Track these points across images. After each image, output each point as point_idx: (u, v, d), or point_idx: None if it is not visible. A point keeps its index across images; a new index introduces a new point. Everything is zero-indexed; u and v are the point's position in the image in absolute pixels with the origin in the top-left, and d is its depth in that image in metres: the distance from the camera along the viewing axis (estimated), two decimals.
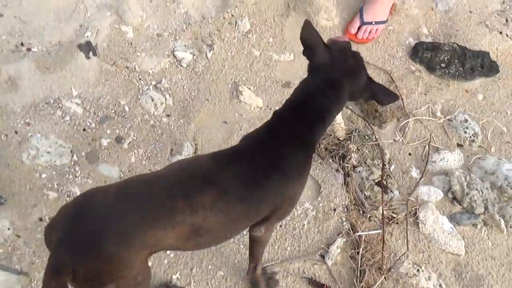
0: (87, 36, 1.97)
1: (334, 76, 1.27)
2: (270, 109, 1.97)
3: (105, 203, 1.08)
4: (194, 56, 2.04)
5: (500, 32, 2.41)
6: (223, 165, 1.21)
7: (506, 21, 2.46)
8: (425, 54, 2.23)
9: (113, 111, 1.88)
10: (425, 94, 2.16)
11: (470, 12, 2.44)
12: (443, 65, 2.22)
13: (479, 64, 2.25)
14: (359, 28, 2.22)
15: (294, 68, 2.11)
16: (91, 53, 1.95)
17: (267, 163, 1.23)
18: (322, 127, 1.30)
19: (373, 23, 2.21)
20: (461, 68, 2.23)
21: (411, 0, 2.39)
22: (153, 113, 1.91)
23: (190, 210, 1.11)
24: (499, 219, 1.86)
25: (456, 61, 2.24)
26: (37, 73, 1.88)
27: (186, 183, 1.15)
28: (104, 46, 1.98)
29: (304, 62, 1.31)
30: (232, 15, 2.14)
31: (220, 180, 1.17)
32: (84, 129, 1.83)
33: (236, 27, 2.12)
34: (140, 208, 1.08)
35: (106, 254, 1.04)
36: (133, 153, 1.82)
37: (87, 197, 1.12)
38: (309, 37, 1.27)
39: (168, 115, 1.92)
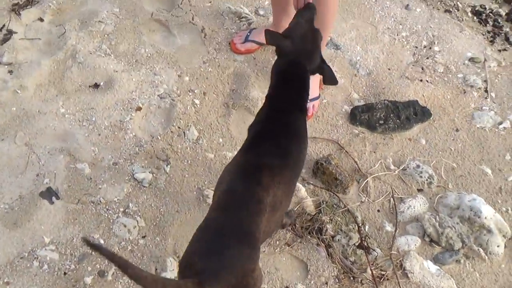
0: (46, 183, 2.00)
1: (298, 60, 1.64)
2: None
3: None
4: (154, 174, 2.10)
5: (421, 80, 2.63)
6: (256, 151, 1.51)
7: (422, 69, 2.70)
8: (363, 116, 2.40)
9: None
10: (374, 152, 2.29)
11: (389, 69, 2.67)
12: (381, 122, 2.39)
13: (412, 113, 2.44)
14: None
15: None
16: (53, 197, 1.97)
17: (285, 132, 1.55)
18: (306, 92, 1.67)
19: (309, 101, 2.37)
20: (398, 120, 2.40)
21: (335, 72, 2.58)
22: (129, 239, 1.92)
23: (265, 193, 1.40)
24: (478, 249, 1.95)
25: (391, 115, 2.41)
26: (5, 232, 1.87)
27: (247, 179, 1.44)
28: (65, 187, 2.01)
29: None
30: (179, 127, 2.24)
31: (264, 161, 1.46)
32: (64, 273, 1.82)
33: (186, 137, 2.22)
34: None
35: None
36: (119, 283, 1.81)
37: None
38: (272, 39, 1.65)
39: (143, 237, 1.94)
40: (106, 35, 2.56)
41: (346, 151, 2.27)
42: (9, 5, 2.63)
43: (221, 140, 2.25)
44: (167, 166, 2.13)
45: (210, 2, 2.84)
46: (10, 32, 2.49)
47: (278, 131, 1.55)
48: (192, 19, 2.72)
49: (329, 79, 1.74)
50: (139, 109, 2.29)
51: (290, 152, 1.53)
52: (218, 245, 1.31)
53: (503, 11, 3.18)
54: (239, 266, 1.31)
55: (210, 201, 2.03)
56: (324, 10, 2.12)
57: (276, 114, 1.60)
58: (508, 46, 2.94)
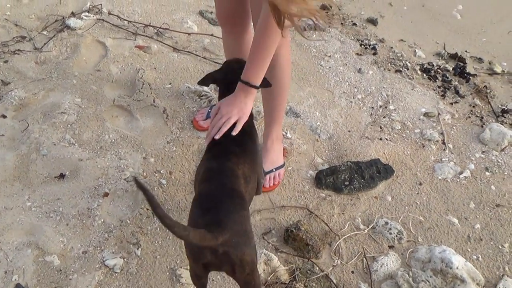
0: (15, 280, 1.96)
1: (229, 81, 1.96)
2: None
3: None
4: (125, 259, 2.08)
5: (380, 139, 2.72)
6: (220, 145, 1.84)
7: (380, 128, 2.80)
8: (328, 179, 2.45)
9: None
10: (343, 214, 2.33)
11: (349, 131, 2.76)
12: (346, 183, 2.44)
13: (375, 171, 2.50)
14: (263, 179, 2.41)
15: None
16: None
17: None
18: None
19: (274, 170, 2.42)
20: (362, 180, 2.45)
21: (297, 139, 2.66)
22: None
23: (236, 167, 1.75)
24: None
25: (356, 175, 2.47)
26: None
27: (219, 159, 1.79)
28: (35, 282, 1.97)
29: None
30: (147, 209, 2.25)
31: (229, 149, 1.81)
32: None
33: (155, 218, 2.22)
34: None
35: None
36: None
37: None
38: (206, 78, 2.03)
39: None
40: (69, 125, 2.60)
41: (315, 215, 2.30)
42: None
43: None
44: (138, 249, 2.11)
45: (170, 83, 2.93)
46: None
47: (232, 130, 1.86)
48: (154, 102, 2.80)
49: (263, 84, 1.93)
50: (106, 195, 2.30)
51: (246, 142, 1.90)
52: (212, 204, 1.59)
53: (449, 66, 3.36)
54: (236, 213, 1.56)
55: (183, 280, 2.01)
56: (280, 73, 2.20)
57: None
58: (459, 98, 3.08)
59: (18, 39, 3.18)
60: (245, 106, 1.87)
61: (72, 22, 3.32)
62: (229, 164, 1.75)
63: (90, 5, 3.53)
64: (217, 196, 1.63)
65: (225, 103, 1.89)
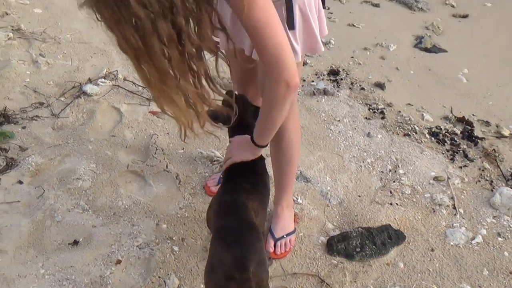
0: None
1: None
2: None
3: None
4: None
5: (390, 204, 2.74)
6: (233, 181, 2.04)
7: (391, 192, 2.82)
8: (339, 246, 2.45)
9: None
10: (355, 282, 2.32)
11: (359, 196, 2.78)
12: (358, 249, 2.44)
13: (387, 237, 2.50)
14: (274, 245, 2.42)
15: None
16: None
17: (251, 171, 2.08)
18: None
19: (285, 236, 2.43)
20: (374, 246, 2.45)
21: (307, 205, 2.68)
22: None
23: (247, 201, 1.90)
24: None
25: (367, 242, 2.47)
26: None
27: (232, 194, 1.96)
28: None
29: None
30: (159, 277, 2.26)
31: (242, 185, 1.98)
32: None
33: (166, 286, 2.22)
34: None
35: None
36: None
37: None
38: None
39: None
40: (83, 191, 2.65)
41: (327, 283, 2.29)
42: None
43: (202, 286, 2.26)
44: None
45: (183, 149, 3.00)
46: None
47: (245, 170, 2.05)
48: (167, 167, 2.85)
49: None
50: (118, 262, 2.31)
51: (257, 181, 2.07)
52: (235, 237, 1.73)
53: (457, 130, 3.40)
54: (256, 244, 1.74)
55: None
56: (288, 146, 2.25)
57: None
58: (468, 162, 3.11)
59: (36, 105, 3.29)
60: (255, 154, 2.06)
61: (88, 88, 3.43)
62: (241, 198, 1.91)
63: (106, 71, 3.66)
64: (237, 229, 1.79)
65: (236, 148, 2.08)
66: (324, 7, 1.98)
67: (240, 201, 1.90)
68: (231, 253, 1.68)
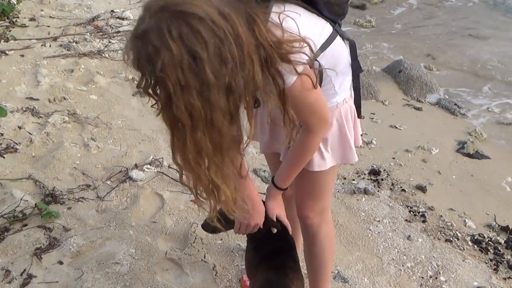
0: None
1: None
2: None
3: None
4: None
5: None
6: (277, 260, 2.09)
7: None
8: None
9: None
10: None
11: None
12: None
13: None
14: None
15: None
16: None
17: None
18: None
19: None
20: None
21: None
22: None
23: (291, 283, 2.00)
24: None
25: None
26: None
27: (278, 273, 2.03)
28: None
29: None
30: None
31: (288, 263, 2.08)
32: None
33: None
34: None
35: None
36: None
37: None
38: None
39: None
40: (121, 276, 2.67)
41: None
42: (32, 249, 2.80)
43: None
44: None
45: (221, 239, 3.01)
46: (30, 276, 2.60)
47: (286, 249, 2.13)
48: (204, 257, 2.86)
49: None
50: None
51: (298, 261, 2.13)
52: None
53: (501, 239, 3.32)
54: None
55: None
56: (320, 252, 2.26)
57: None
58: None
59: (83, 187, 3.40)
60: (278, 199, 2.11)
61: (134, 173, 3.54)
62: (286, 280, 1.99)
63: (152, 158, 3.79)
64: None
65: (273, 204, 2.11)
66: (359, 117, 2.05)
67: (284, 282, 1.98)
68: None
